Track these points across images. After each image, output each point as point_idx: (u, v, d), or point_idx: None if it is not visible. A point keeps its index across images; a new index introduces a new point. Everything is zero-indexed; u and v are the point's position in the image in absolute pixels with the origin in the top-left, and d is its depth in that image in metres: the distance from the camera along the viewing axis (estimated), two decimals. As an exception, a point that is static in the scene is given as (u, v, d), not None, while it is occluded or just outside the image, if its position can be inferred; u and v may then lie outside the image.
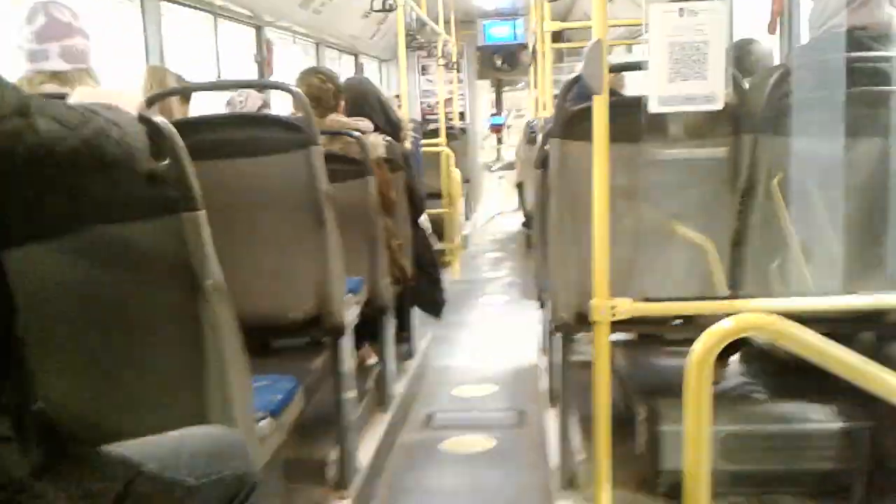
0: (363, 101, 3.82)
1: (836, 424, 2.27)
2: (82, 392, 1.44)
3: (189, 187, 1.40)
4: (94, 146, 0.98)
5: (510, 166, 9.77)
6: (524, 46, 9.72)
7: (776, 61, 3.24)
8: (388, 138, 3.66)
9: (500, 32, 10.60)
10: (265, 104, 3.76)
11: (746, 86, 2.33)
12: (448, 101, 9.33)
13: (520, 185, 8.14)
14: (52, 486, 0.98)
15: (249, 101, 3.55)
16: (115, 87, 2.72)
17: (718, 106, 1.84)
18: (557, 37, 6.33)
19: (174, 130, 1.37)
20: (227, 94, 3.66)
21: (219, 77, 4.61)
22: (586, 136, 1.87)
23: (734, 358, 2.77)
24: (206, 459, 1.26)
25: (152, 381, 1.47)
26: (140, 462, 1.12)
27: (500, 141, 11.64)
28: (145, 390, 1.47)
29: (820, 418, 2.31)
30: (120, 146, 1.02)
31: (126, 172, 1.06)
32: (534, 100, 7.58)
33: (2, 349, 1.01)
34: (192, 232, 1.41)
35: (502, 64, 10.73)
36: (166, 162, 1.37)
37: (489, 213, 10.85)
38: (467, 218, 9.18)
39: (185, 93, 2.90)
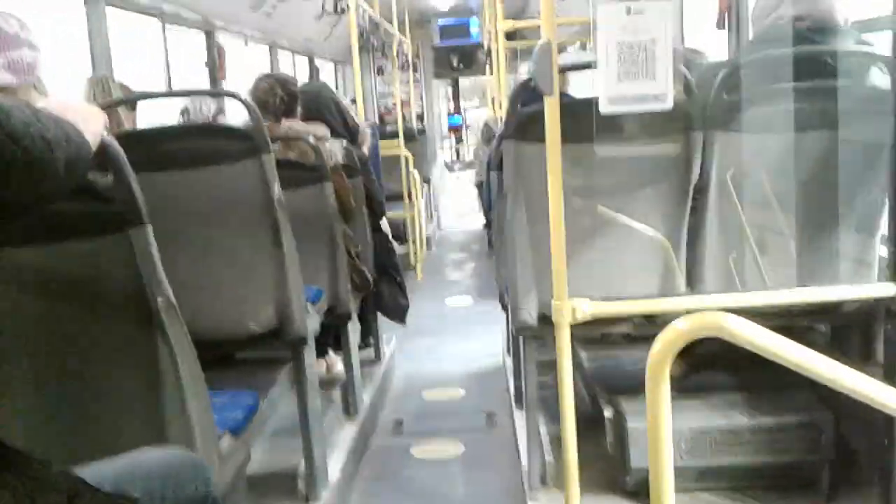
0: (320, 105, 3.79)
1: (800, 417, 2.30)
2: (32, 416, 1.41)
3: (134, 202, 1.37)
4: (14, 137, 0.96)
5: (470, 166, 9.78)
6: (480, 46, 9.72)
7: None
8: (346, 143, 3.63)
9: (455, 32, 10.60)
10: (220, 111, 3.70)
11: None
12: (405, 103, 9.32)
13: (479, 186, 8.15)
14: (1, 496, 0.96)
15: (204, 108, 3.49)
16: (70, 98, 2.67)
17: (668, 105, 1.84)
18: (512, 35, 6.33)
19: (116, 144, 1.34)
20: (179, 103, 3.59)
21: (169, 84, 4.53)
22: (540, 137, 1.87)
23: (699, 353, 2.79)
24: (161, 480, 1.24)
25: (106, 403, 1.44)
26: (82, 478, 1.10)
27: (458, 140, 11.64)
28: (99, 413, 1.44)
29: (784, 411, 2.33)
30: (27, 128, 0.99)
31: (45, 171, 1.03)
32: (489, 100, 7.60)
33: None
34: (140, 248, 1.38)
35: (458, 64, 10.72)
36: (109, 176, 1.34)
37: (451, 214, 10.86)
38: (430, 219, 9.17)
39: (132, 101, 2.85)
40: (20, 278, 1.40)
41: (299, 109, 3.43)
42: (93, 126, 1.26)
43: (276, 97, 3.27)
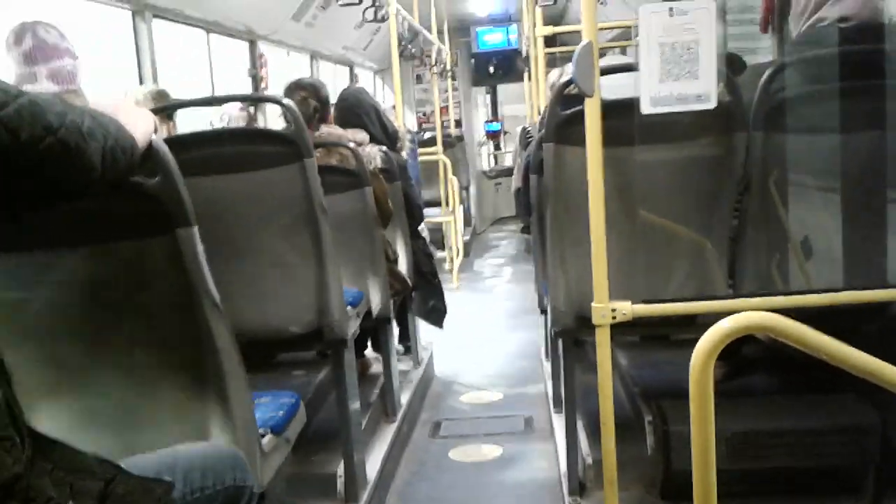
0: (360, 111, 3.82)
1: (846, 420, 2.26)
2: (79, 414, 1.44)
3: (181, 203, 1.39)
4: (33, 113, 1.00)
5: (508, 172, 9.77)
6: (518, 52, 9.72)
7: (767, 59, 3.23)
8: (385, 149, 3.66)
9: (493, 39, 10.60)
10: (251, 122, 3.75)
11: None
12: (444, 110, 9.35)
13: (517, 191, 8.13)
14: (42, 483, 0.99)
15: (232, 124, 3.54)
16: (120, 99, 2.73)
17: (711, 105, 1.83)
18: (551, 41, 6.32)
19: (164, 146, 1.37)
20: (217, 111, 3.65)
21: (213, 92, 4.61)
22: (580, 139, 1.86)
23: (743, 356, 2.76)
24: (201, 473, 1.26)
25: (151, 401, 1.47)
26: (117, 463, 1.12)
27: (497, 147, 11.63)
28: (144, 410, 1.46)
29: (830, 415, 2.29)
30: (61, 119, 1.03)
31: (80, 160, 1.06)
32: (528, 106, 7.59)
33: None
34: (187, 248, 1.40)
35: (496, 71, 10.72)
36: (157, 179, 1.36)
37: (488, 219, 10.85)
38: (467, 225, 9.18)
39: (174, 109, 2.89)
40: (69, 279, 1.43)
41: (331, 114, 3.45)
42: (142, 126, 1.29)
43: (311, 107, 3.27)
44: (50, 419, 1.39)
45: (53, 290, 1.42)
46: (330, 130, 3.35)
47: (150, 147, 1.33)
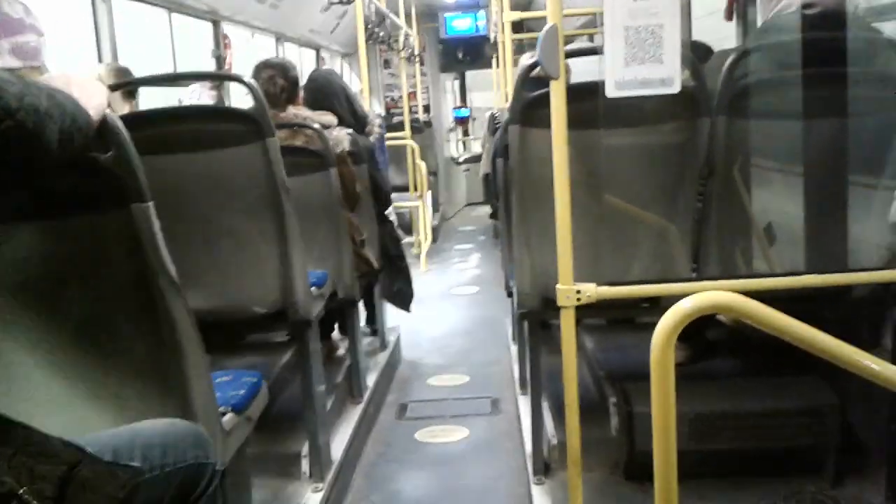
0: (329, 93, 3.78)
1: (806, 402, 2.30)
2: (35, 392, 1.41)
3: (136, 178, 1.36)
4: (8, 111, 0.97)
5: (477, 158, 9.77)
6: (486, 39, 9.71)
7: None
8: (352, 132, 3.63)
9: (461, 25, 10.58)
10: (220, 103, 3.71)
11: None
12: (412, 95, 9.31)
13: (486, 177, 8.14)
14: None
15: (202, 102, 3.49)
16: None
17: (675, 89, 1.84)
18: (518, 27, 6.33)
19: (117, 119, 1.34)
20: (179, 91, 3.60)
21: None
22: (545, 122, 1.86)
23: (706, 339, 2.79)
24: (161, 450, 1.25)
25: (108, 378, 1.44)
26: (83, 446, 1.10)
27: (465, 133, 11.62)
28: (101, 388, 1.44)
29: (790, 396, 2.33)
30: (20, 100, 1.00)
31: (39, 143, 1.03)
32: (497, 92, 7.59)
33: None
34: (142, 224, 1.38)
35: (465, 57, 10.71)
36: (110, 153, 1.33)
37: (457, 205, 10.86)
38: (435, 210, 9.18)
39: (135, 86, 2.84)
40: (20, 254, 1.40)
41: (302, 94, 3.42)
42: (95, 100, 1.26)
43: (277, 86, 3.24)
44: (6, 399, 1.36)
45: (4, 266, 1.39)
46: (297, 111, 3.31)
47: (104, 121, 1.30)
